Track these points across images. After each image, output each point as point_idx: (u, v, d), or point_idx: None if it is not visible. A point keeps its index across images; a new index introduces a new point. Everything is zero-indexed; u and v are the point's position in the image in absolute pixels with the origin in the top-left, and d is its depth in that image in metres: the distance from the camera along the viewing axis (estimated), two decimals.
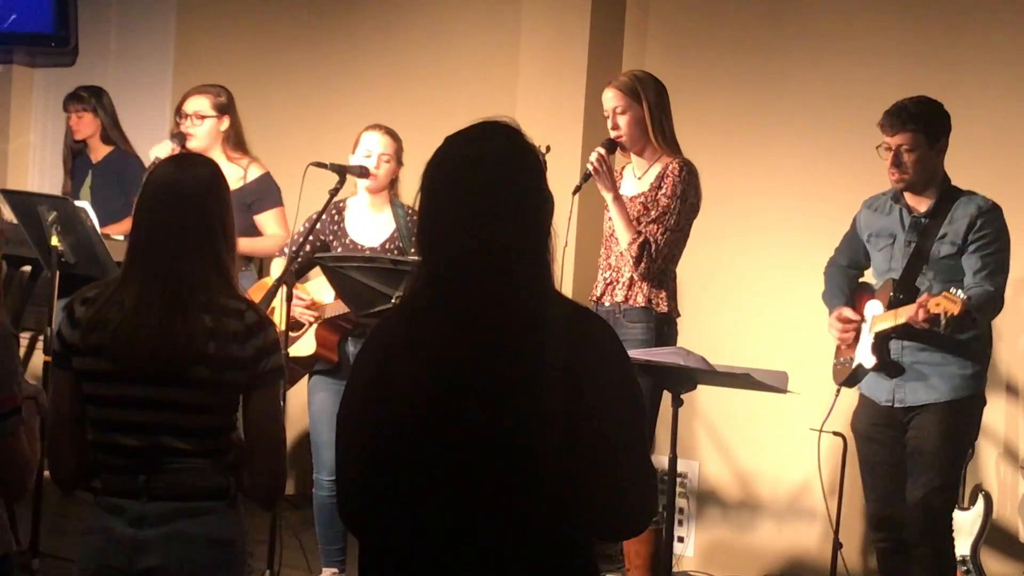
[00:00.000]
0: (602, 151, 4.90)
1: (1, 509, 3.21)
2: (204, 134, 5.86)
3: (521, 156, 2.46)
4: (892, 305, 4.68)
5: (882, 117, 4.70)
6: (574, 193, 4.91)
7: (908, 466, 4.72)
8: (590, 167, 4.88)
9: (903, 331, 4.64)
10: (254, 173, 5.93)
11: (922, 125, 4.64)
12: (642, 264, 4.85)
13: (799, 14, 6.19)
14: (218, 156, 5.73)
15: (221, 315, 2.98)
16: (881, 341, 4.73)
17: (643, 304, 4.90)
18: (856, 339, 4.82)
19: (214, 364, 2.95)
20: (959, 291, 4.40)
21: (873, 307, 4.79)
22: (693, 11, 6.47)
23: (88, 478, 3.10)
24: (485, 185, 2.41)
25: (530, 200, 2.44)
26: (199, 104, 5.88)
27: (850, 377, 4.88)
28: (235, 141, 5.97)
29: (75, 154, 7.30)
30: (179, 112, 5.92)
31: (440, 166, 2.46)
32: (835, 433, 5.06)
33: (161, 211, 3.06)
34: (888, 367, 4.72)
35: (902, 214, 4.78)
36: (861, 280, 5.01)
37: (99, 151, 7.19)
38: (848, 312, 4.84)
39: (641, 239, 4.86)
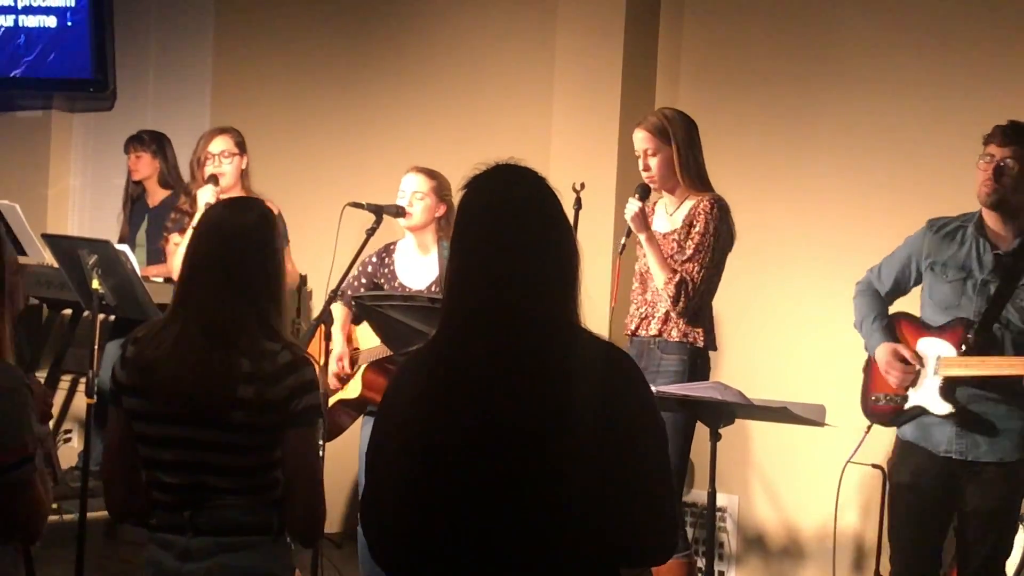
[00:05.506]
0: (639, 205, 4.89)
1: (17, 556, 3.23)
2: (231, 172, 5.95)
3: (545, 199, 2.53)
4: (968, 350, 4.41)
5: (994, 128, 4.43)
6: (620, 253, 4.96)
7: (964, 525, 4.49)
8: (630, 223, 4.88)
9: (974, 378, 4.40)
10: None
11: None
12: (680, 302, 4.84)
13: (832, 49, 6.21)
14: (238, 195, 5.79)
15: (257, 358, 3.01)
16: (950, 385, 4.44)
17: (678, 339, 4.89)
18: (915, 380, 4.53)
19: (249, 407, 2.98)
20: None
21: (938, 346, 4.48)
22: (725, 47, 6.50)
23: (139, 515, 3.15)
24: (511, 228, 2.48)
25: (554, 241, 2.51)
26: (225, 143, 5.98)
27: (899, 417, 4.60)
28: (248, 180, 6.07)
29: (134, 200, 7.38)
30: (203, 155, 5.97)
31: (466, 211, 2.53)
32: (874, 465, 5.03)
33: (205, 253, 3.11)
34: (962, 415, 4.42)
35: (980, 247, 4.47)
36: (901, 311, 4.71)
37: (156, 195, 7.27)
38: (907, 352, 4.53)
39: (678, 278, 4.83)
